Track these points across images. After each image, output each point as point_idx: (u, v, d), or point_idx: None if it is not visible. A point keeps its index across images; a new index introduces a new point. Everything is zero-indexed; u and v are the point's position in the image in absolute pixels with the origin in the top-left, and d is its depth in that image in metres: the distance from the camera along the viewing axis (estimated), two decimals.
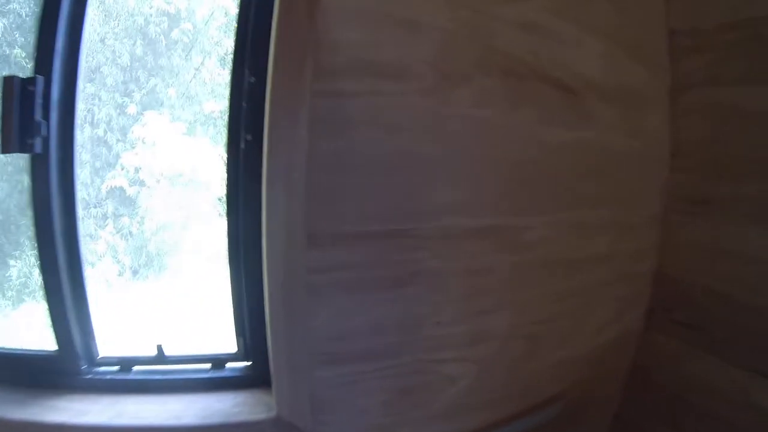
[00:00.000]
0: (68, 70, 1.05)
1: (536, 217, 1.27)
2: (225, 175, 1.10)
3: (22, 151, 1.00)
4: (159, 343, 1.23)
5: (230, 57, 1.04)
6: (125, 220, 4.91)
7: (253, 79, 1.01)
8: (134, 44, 4.74)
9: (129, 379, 1.20)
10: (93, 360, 1.20)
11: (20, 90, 0.98)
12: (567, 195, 1.34)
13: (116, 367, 1.21)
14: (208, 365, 1.24)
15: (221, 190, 1.24)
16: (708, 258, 1.66)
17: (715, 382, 1.69)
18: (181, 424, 1.08)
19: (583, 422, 1.82)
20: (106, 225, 4.88)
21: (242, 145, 1.04)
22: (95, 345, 1.20)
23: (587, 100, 1.32)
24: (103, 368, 1.21)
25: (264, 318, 1.10)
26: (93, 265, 5.08)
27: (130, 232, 4.89)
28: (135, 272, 5.06)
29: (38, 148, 1.02)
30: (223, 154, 1.07)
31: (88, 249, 4.99)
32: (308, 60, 0.87)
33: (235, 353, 1.24)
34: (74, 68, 1.06)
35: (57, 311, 1.13)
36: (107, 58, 4.96)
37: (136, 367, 1.22)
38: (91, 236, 4.97)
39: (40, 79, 1.00)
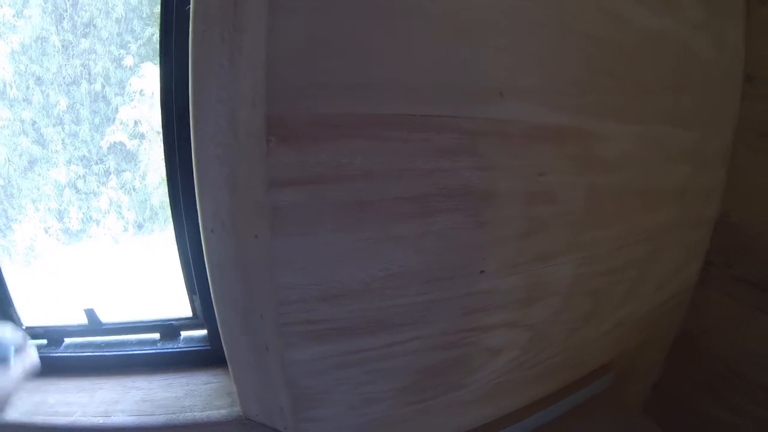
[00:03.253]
0: None
1: (617, 125, 0.84)
2: (159, 58, 0.67)
3: None
4: (90, 308, 0.87)
5: None
6: (128, 175, 4.52)
7: None
8: None
9: (56, 357, 0.87)
10: None
11: None
12: (653, 101, 0.96)
13: (43, 341, 0.89)
14: (156, 335, 0.87)
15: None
16: None
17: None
18: (108, 425, 0.73)
19: (624, 395, 1.50)
20: (109, 181, 4.51)
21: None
22: (15, 312, 0.89)
23: None
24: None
25: None
26: (98, 222, 4.75)
27: (133, 187, 4.52)
28: (140, 227, 4.73)
29: None
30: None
31: (91, 206, 4.68)
32: None
33: (190, 318, 0.85)
34: None
35: None
36: (100, 11, 4.51)
37: (67, 340, 0.89)
38: (94, 193, 4.61)
39: None
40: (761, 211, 1.44)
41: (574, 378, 1.20)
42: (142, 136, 4.17)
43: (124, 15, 4.21)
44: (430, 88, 0.57)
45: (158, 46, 0.68)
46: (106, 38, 4.27)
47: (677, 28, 0.99)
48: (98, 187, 4.45)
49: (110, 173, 4.37)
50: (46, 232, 4.57)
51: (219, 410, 0.73)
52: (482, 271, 0.72)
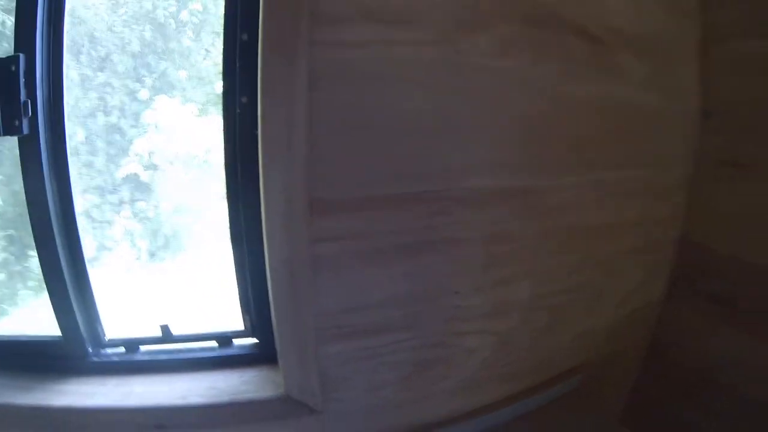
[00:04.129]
0: (52, 45, 0.96)
1: (562, 178, 1.17)
2: (222, 144, 1.00)
3: (8, 133, 0.92)
4: (164, 323, 1.17)
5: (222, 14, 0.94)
6: (141, 204, 4.86)
7: (246, 36, 0.90)
8: (143, 29, 4.66)
9: (135, 360, 1.14)
10: (99, 342, 1.15)
11: (1, 70, 0.89)
12: (595, 155, 1.25)
13: (122, 349, 1.16)
14: (214, 343, 1.19)
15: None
16: (739, 226, 1.61)
17: (741, 358, 1.65)
18: (187, 404, 1.02)
19: (600, 397, 1.78)
20: (123, 210, 4.84)
21: (238, 110, 0.94)
22: (101, 328, 1.15)
23: (616, 52, 1.21)
24: (109, 350, 1.16)
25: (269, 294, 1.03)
26: (111, 249, 5.07)
27: (147, 217, 4.85)
28: (152, 255, 5.04)
29: (26, 129, 0.93)
30: (219, 121, 0.96)
31: (105, 234, 5.01)
32: (305, 4, 0.76)
33: (242, 331, 1.17)
34: (58, 42, 0.96)
35: (59, 296, 1.07)
36: (116, 46, 4.87)
37: (142, 348, 1.17)
38: (108, 222, 4.95)
39: (22, 57, 0.91)
40: (720, 232, 1.64)
41: (543, 378, 1.47)
42: (155, 167, 4.52)
43: (139, 50, 4.58)
44: (416, 174, 0.93)
45: (222, 132, 0.99)
46: (122, 72, 4.64)
47: (620, 89, 1.25)
48: (112, 216, 4.79)
49: (124, 203, 4.72)
50: None
51: (268, 392, 1.05)
52: (456, 292, 1.06)
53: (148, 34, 4.25)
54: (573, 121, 1.16)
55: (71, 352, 1.11)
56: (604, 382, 1.78)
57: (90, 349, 1.14)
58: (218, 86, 1.21)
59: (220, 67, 0.96)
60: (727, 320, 1.70)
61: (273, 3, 0.76)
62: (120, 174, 4.26)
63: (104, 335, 1.16)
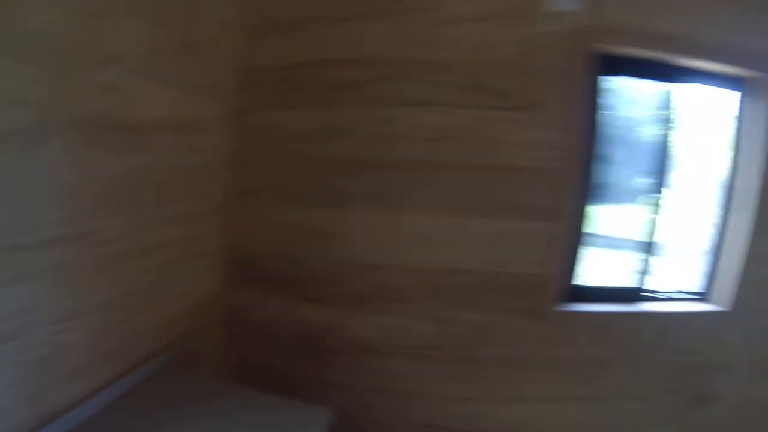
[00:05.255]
0: None
1: (113, 220, 1.72)
2: None
3: None
4: None
5: None
6: None
7: None
8: None
9: None
10: None
11: None
12: (136, 202, 1.85)
13: None
14: None
15: None
16: (259, 229, 2.55)
17: (279, 312, 2.58)
18: None
19: (199, 367, 2.32)
20: None
21: None
22: None
23: (151, 134, 1.87)
24: None
25: None
26: None
27: None
28: None
29: None
30: None
31: None
32: None
33: None
34: None
35: None
36: None
37: None
38: None
39: None
40: (251, 235, 2.54)
41: (139, 358, 1.92)
42: None
43: None
44: (25, 229, 1.37)
45: None
46: None
47: (154, 159, 1.85)
48: None
49: None
50: None
51: None
52: (47, 302, 1.50)
53: None
54: (118, 183, 1.69)
55: None
56: (198, 355, 2.37)
57: None
58: None
59: None
60: (268, 291, 2.59)
61: None
62: None
63: None
